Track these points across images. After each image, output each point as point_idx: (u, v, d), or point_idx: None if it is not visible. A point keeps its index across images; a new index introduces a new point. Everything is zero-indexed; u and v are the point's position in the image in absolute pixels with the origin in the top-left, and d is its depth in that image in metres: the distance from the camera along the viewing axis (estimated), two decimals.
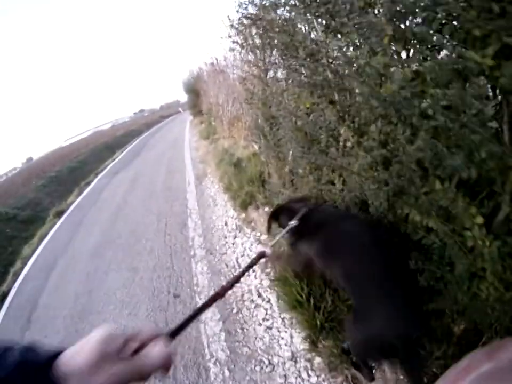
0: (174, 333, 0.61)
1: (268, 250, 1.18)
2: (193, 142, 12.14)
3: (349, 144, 2.10)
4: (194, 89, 15.29)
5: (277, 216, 2.24)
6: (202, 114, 13.90)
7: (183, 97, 20.97)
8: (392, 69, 1.55)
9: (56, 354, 0.48)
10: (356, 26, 1.58)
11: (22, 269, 6.57)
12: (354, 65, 1.67)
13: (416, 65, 1.46)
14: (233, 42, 3.92)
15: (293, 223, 1.90)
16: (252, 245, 3.74)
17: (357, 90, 1.77)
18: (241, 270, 0.91)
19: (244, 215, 4.42)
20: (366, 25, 1.53)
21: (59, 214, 9.60)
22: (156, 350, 0.52)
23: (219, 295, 0.80)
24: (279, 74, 3.45)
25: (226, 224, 4.51)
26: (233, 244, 3.95)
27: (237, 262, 3.61)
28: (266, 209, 4.00)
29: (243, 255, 3.67)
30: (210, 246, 4.12)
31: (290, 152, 3.26)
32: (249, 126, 5.45)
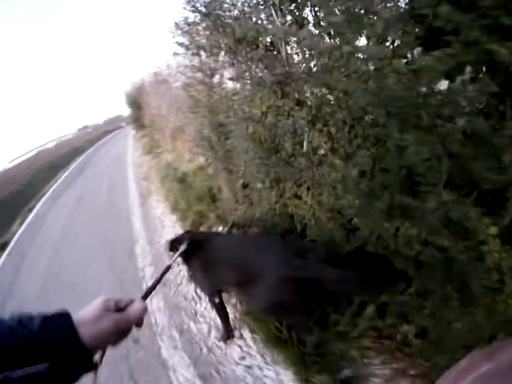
0: (144, 297, 0.85)
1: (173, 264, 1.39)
2: (136, 158, 11.42)
3: (321, 152, 1.78)
4: (136, 102, 14.55)
5: (175, 247, 2.43)
6: (145, 127, 13.20)
7: (126, 111, 20.04)
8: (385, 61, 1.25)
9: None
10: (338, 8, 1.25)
11: None
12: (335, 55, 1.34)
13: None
14: (178, 44, 3.50)
15: (183, 247, 2.21)
16: None
17: (340, 86, 1.44)
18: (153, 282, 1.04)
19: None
20: (352, 6, 1.20)
21: (3, 247, 8.58)
22: (136, 305, 0.73)
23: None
24: (228, 76, 3.10)
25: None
26: None
27: (196, 293, 3.16)
28: (221, 228, 3.58)
29: None
30: (164, 277, 3.58)
31: (243, 163, 2.91)
32: (194, 137, 4.99)
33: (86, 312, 0.65)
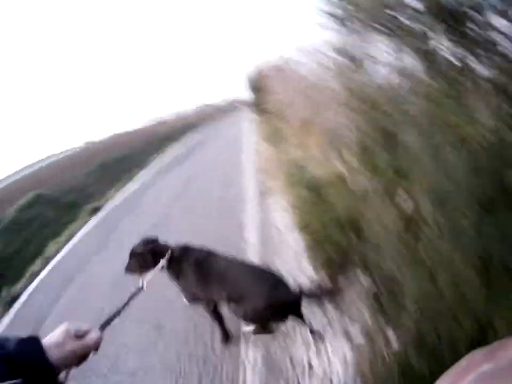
0: (102, 326, 0.93)
1: (145, 285, 1.36)
2: (254, 144, 10.72)
3: None
4: (258, 85, 14.06)
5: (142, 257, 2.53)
6: (265, 113, 12.53)
7: (247, 94, 19.83)
8: None
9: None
10: None
11: (39, 272, 6.22)
12: None
13: None
14: (330, 15, 2.49)
15: (163, 263, 2.34)
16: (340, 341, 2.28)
17: None
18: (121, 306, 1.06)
19: (327, 280, 2.76)
20: None
21: (94, 211, 8.86)
22: (92, 335, 0.84)
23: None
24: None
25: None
26: None
27: (308, 357, 2.27)
28: (368, 281, 2.45)
29: (319, 354, 2.27)
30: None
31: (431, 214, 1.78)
32: (333, 136, 3.85)
33: (51, 338, 0.77)
